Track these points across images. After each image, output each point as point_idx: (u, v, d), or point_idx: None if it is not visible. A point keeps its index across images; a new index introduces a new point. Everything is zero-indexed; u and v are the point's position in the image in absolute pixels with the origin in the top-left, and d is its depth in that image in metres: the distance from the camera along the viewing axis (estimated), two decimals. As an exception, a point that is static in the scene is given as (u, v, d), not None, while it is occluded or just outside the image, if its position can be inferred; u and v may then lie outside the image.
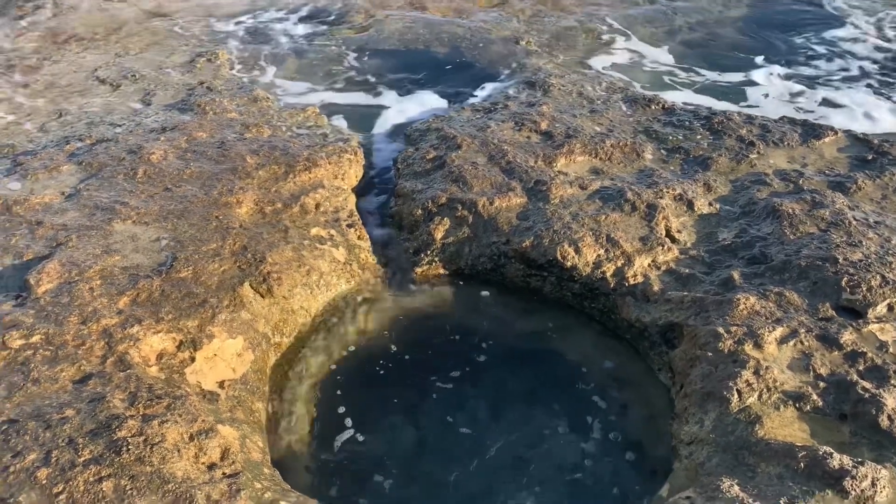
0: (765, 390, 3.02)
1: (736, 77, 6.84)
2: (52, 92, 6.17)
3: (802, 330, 3.32)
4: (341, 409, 3.54)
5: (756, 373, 3.09)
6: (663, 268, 3.99)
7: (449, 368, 3.79)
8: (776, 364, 3.16)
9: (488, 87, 6.51)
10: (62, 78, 6.46)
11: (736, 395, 3.01)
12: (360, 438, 3.41)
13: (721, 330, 3.34)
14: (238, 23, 7.99)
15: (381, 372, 3.76)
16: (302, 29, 7.90)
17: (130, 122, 5.47)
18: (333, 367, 3.79)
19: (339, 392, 3.64)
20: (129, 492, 2.50)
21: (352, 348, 3.90)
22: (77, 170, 4.67)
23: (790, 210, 4.24)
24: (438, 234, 4.43)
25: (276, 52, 7.33)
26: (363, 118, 6.16)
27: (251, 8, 8.37)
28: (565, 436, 3.42)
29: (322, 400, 3.61)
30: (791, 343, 3.26)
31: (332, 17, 8.18)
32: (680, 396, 3.27)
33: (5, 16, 7.80)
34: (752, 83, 6.74)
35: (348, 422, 3.48)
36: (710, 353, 3.27)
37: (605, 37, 7.64)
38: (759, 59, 7.22)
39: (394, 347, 3.91)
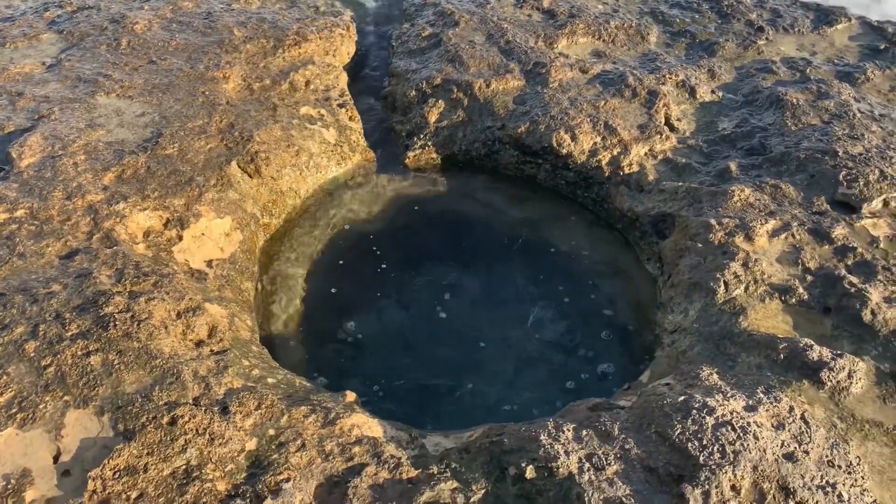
0: (752, 282, 3.02)
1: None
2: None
3: (795, 223, 3.29)
4: (333, 290, 3.56)
5: (745, 265, 3.09)
6: (660, 157, 3.91)
7: (439, 254, 3.79)
8: (765, 257, 3.15)
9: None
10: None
11: (722, 287, 3.02)
12: (351, 322, 3.44)
13: (713, 221, 3.31)
14: None
15: (372, 255, 3.76)
16: None
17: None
18: (323, 249, 3.77)
19: (329, 274, 3.65)
20: (117, 366, 2.53)
21: (342, 230, 3.88)
22: (58, 38, 4.48)
23: (794, 100, 4.12)
24: (432, 118, 4.32)
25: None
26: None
27: None
28: (551, 322, 3.46)
29: (312, 281, 3.62)
30: (782, 236, 3.24)
31: None
32: (667, 286, 3.29)
33: None
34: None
35: (338, 303, 3.51)
36: (699, 245, 3.25)
37: None
38: None
39: (384, 231, 3.88)
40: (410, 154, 4.28)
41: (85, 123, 3.75)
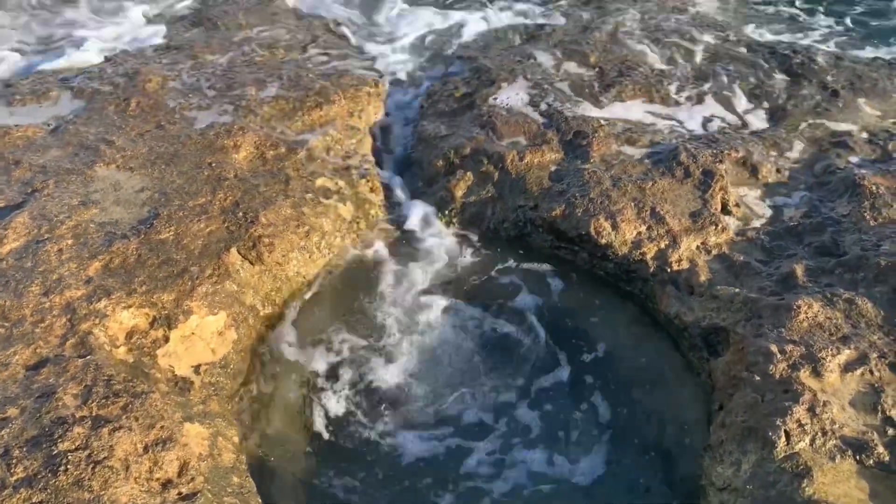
0: (819, 434, 2.52)
1: (829, 9, 5.84)
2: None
3: (874, 354, 2.77)
4: (341, 394, 3.17)
5: (811, 410, 2.58)
6: (714, 251, 3.42)
7: (463, 347, 3.37)
8: (837, 399, 2.64)
9: (537, 2, 5.74)
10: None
11: (783, 438, 2.52)
12: (349, 430, 3.06)
13: (774, 348, 2.80)
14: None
15: (383, 349, 3.36)
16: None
17: (133, 38, 4.96)
18: (330, 341, 3.39)
19: (337, 370, 3.27)
20: (62, 522, 2.20)
21: (353, 319, 3.49)
22: (68, 96, 4.24)
23: (873, 187, 3.58)
24: (459, 192, 3.92)
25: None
26: (394, 35, 5.51)
27: None
28: (585, 437, 3.01)
29: (313, 378, 3.24)
30: (858, 372, 2.72)
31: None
32: (717, 424, 2.79)
33: None
34: (849, 15, 5.76)
35: (338, 411, 3.13)
36: (757, 377, 2.75)
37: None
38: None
39: (396, 318, 3.49)
40: (433, 231, 3.88)
41: (79, 200, 3.46)
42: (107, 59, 4.55)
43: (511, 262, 3.76)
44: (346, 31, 5.30)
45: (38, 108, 4.13)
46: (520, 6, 5.73)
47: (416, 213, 3.98)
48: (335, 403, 3.15)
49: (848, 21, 5.66)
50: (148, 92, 4.19)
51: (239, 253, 3.37)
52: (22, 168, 3.67)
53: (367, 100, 4.44)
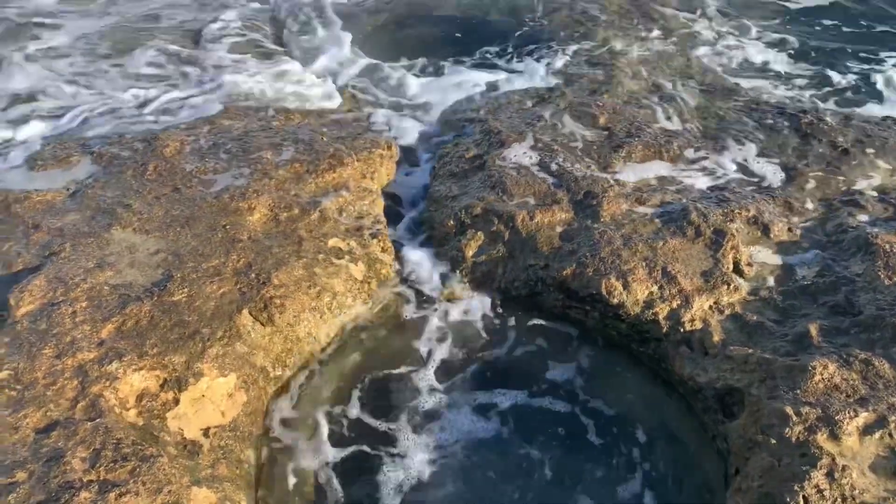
0: (839, 500, 2.45)
1: (834, 67, 5.91)
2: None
3: (893, 417, 2.70)
4: (350, 451, 3.13)
5: (829, 475, 2.51)
6: (727, 312, 3.39)
7: (470, 414, 3.34)
8: (856, 463, 2.58)
9: (546, 65, 5.85)
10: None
11: (802, 504, 2.45)
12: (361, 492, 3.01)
13: (789, 410, 2.75)
14: None
15: (393, 413, 3.33)
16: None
17: (158, 105, 5.11)
18: (341, 402, 3.37)
19: (348, 431, 3.23)
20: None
21: (364, 379, 3.48)
22: (88, 161, 4.35)
23: (886, 246, 3.55)
24: (469, 252, 3.94)
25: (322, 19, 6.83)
26: (404, 98, 5.63)
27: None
28: (597, 500, 2.95)
29: (327, 441, 3.21)
30: (877, 435, 2.66)
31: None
32: (734, 489, 2.73)
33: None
34: (854, 73, 5.82)
35: (357, 471, 3.08)
36: (773, 441, 2.70)
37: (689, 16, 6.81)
38: (865, 50, 6.22)
39: (407, 378, 3.47)
40: (445, 291, 3.89)
41: (94, 263, 3.52)
42: (127, 125, 4.67)
43: (522, 323, 3.75)
44: (360, 94, 5.41)
45: (60, 172, 4.23)
46: (529, 69, 5.85)
47: (428, 273, 4.00)
48: (339, 483, 3.10)
49: (854, 79, 5.71)
50: (166, 156, 4.29)
51: (250, 314, 3.39)
52: (41, 232, 3.74)
53: (379, 161, 4.51)
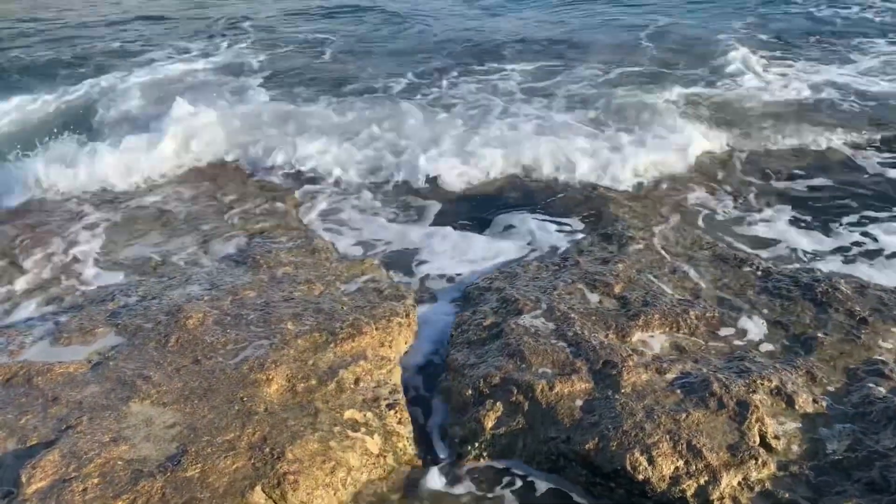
0: None
1: (847, 237, 5.99)
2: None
3: None
4: None
5: None
6: (757, 488, 3.26)
7: None
8: None
9: (561, 239, 6.03)
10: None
11: None
12: None
13: None
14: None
15: None
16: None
17: (182, 275, 5.27)
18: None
19: None
20: None
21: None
22: (113, 332, 4.43)
23: (919, 418, 3.46)
24: (488, 423, 3.87)
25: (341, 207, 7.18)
26: (425, 267, 5.77)
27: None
28: None
29: None
30: None
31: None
32: None
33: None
34: (868, 243, 5.88)
35: None
36: None
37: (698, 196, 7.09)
38: (875, 222, 6.30)
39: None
40: (463, 463, 3.78)
41: (110, 437, 3.49)
42: (152, 297, 4.80)
43: (547, 500, 3.61)
44: (381, 266, 5.56)
45: (83, 344, 4.30)
46: (543, 240, 6.02)
47: (445, 447, 3.92)
48: None
49: (865, 247, 5.80)
50: (188, 327, 4.37)
51: (263, 491, 3.30)
52: (59, 405, 3.75)
53: (398, 330, 4.56)
